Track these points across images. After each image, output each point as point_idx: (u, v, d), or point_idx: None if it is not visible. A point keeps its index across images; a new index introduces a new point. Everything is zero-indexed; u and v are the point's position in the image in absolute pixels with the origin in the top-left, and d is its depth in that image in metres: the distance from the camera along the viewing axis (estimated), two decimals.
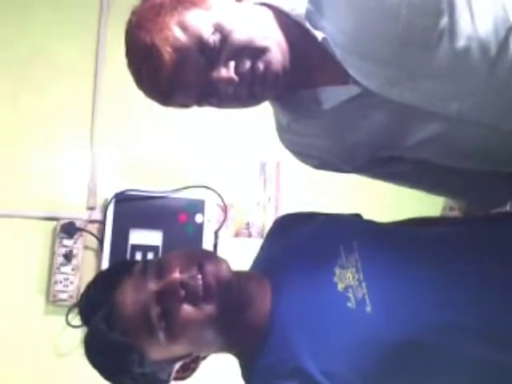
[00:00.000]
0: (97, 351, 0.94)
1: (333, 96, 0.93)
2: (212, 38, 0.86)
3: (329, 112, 0.95)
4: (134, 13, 0.92)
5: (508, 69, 0.86)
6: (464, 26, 0.85)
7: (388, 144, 0.98)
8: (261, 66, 0.87)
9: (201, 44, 0.86)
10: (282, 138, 1.11)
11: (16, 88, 2.26)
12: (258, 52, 0.87)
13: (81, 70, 2.32)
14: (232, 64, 0.87)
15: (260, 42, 0.88)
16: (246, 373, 0.95)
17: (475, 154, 0.95)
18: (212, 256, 0.97)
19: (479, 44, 0.84)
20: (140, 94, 0.96)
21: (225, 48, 0.87)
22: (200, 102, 0.94)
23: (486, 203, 1.15)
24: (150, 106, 0.98)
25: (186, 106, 0.98)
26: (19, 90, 2.26)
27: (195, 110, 1.00)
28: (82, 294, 1.00)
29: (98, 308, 0.92)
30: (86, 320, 0.96)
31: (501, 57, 0.85)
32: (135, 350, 0.90)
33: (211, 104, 0.94)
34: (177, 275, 0.89)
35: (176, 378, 0.98)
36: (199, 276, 0.89)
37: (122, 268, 0.98)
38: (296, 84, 0.96)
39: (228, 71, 0.87)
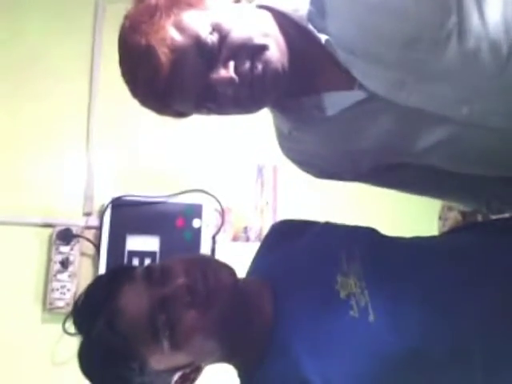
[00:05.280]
0: (96, 358, 0.92)
1: (337, 101, 0.90)
2: (210, 38, 0.83)
3: (332, 118, 0.91)
4: (127, 17, 0.88)
5: None
6: (473, 26, 0.81)
7: (395, 150, 0.94)
8: (259, 66, 0.84)
9: (199, 44, 0.83)
10: (282, 146, 1.08)
11: (12, 94, 2.25)
12: (256, 50, 0.84)
13: (76, 75, 2.31)
14: (231, 64, 0.84)
15: (258, 39, 0.85)
16: None
17: (485, 159, 0.92)
18: (215, 261, 0.96)
19: (489, 44, 0.80)
20: None
21: (223, 48, 0.84)
22: (198, 107, 0.90)
23: (494, 208, 1.13)
24: (146, 111, 0.97)
25: (182, 114, 0.95)
26: (15, 96, 2.25)
27: (192, 115, 0.98)
28: (79, 299, 0.96)
29: (98, 314, 0.89)
30: (84, 325, 0.93)
31: None
32: (137, 358, 0.88)
33: (209, 110, 0.90)
34: (182, 280, 0.88)
35: None
36: (204, 280, 0.88)
37: (121, 273, 0.95)
38: (298, 90, 0.93)
39: (228, 71, 0.83)
